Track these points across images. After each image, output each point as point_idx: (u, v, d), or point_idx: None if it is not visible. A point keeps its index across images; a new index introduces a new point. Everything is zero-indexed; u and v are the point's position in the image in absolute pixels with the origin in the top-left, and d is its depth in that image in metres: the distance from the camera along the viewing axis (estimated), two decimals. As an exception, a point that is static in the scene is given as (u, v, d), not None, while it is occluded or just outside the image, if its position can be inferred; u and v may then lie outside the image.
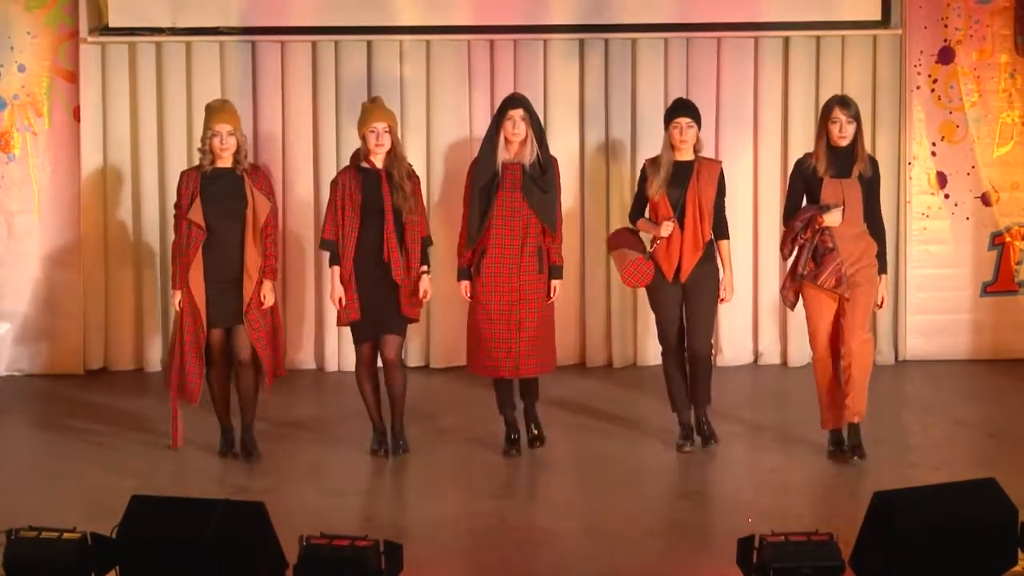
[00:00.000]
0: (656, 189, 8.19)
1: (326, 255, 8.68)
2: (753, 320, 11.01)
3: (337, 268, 8.17)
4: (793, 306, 8.30)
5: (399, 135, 8.36)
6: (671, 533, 7.41)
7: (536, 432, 8.51)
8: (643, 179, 8.34)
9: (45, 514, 7.07)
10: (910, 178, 10.76)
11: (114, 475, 8.24)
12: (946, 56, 10.81)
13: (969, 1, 10.77)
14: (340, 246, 8.15)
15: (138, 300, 10.85)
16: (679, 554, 7.16)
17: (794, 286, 8.19)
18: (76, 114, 10.73)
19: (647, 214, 8.37)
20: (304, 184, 10.88)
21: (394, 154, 8.16)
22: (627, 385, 10.55)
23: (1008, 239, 10.99)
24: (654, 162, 8.32)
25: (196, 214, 8.04)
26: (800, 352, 10.92)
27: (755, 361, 11.04)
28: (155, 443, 8.71)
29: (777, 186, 10.97)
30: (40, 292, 10.80)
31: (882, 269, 8.19)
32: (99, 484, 8.11)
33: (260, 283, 8.11)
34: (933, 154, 10.88)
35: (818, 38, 10.83)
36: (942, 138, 10.87)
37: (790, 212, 8.15)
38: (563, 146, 10.76)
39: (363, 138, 8.18)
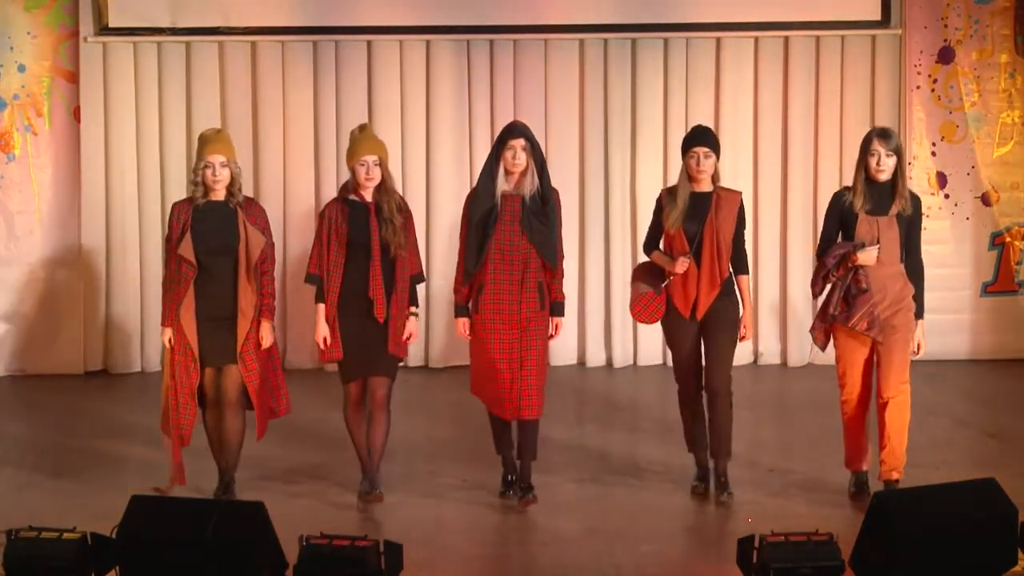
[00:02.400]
0: (672, 222, 7.69)
1: None
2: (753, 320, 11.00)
3: (323, 306, 7.73)
4: (824, 347, 7.83)
5: (389, 164, 7.67)
6: (671, 533, 7.41)
7: (526, 485, 7.79)
8: (659, 210, 7.83)
9: (45, 514, 7.07)
10: (910, 178, 10.74)
11: (114, 475, 8.24)
12: (946, 56, 10.81)
13: (969, 1, 10.77)
14: (325, 281, 7.72)
15: (138, 301, 10.85)
16: (679, 554, 7.16)
17: (824, 327, 7.70)
18: (76, 114, 10.74)
19: (662, 246, 7.89)
20: (305, 184, 10.89)
21: (384, 187, 7.73)
22: (627, 385, 10.55)
23: (1008, 239, 10.99)
24: (671, 192, 7.80)
25: (186, 249, 7.60)
26: (800, 352, 10.94)
27: (755, 361, 11.04)
28: (155, 443, 8.69)
29: (777, 185, 11.00)
30: (40, 292, 10.81)
31: (919, 314, 7.65)
32: (99, 484, 8.10)
33: (256, 322, 7.70)
34: (933, 154, 10.88)
35: (818, 38, 10.85)
36: (942, 138, 10.87)
37: (823, 248, 7.68)
38: (562, 145, 10.80)
39: (352, 171, 7.74)
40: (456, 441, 9.00)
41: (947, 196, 10.91)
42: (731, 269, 7.80)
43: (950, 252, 10.88)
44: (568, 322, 10.59)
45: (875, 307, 7.54)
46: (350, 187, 7.79)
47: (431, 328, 10.87)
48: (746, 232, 7.94)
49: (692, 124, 10.74)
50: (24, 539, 6.15)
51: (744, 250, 7.88)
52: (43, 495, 7.95)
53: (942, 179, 10.90)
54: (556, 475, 8.24)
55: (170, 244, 7.72)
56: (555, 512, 7.65)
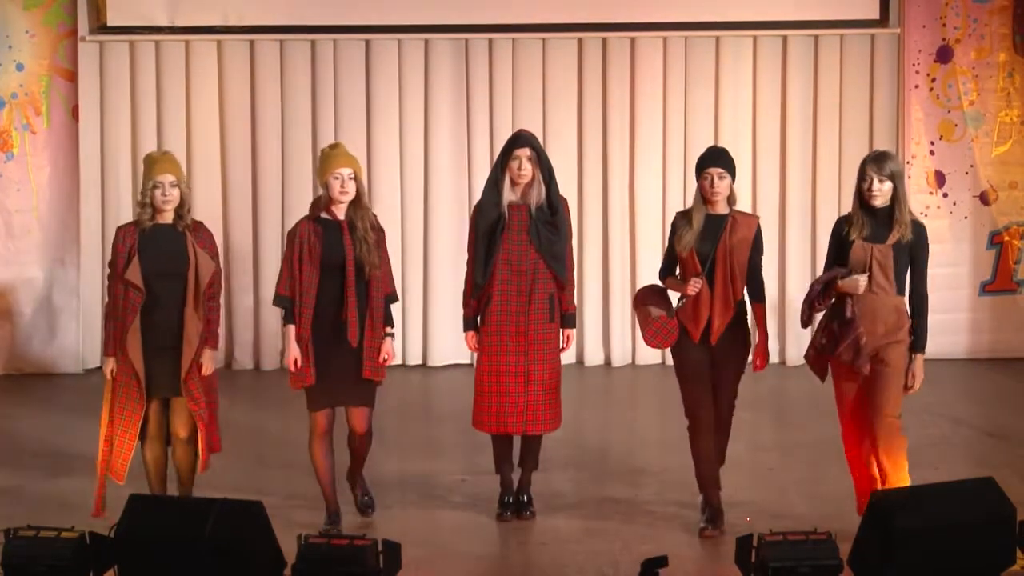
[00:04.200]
0: (685, 244, 7.36)
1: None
2: (752, 319, 11.01)
3: (293, 328, 7.34)
4: (823, 378, 7.38)
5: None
6: (671, 533, 7.41)
7: (526, 500, 7.67)
8: (673, 233, 7.50)
9: (44, 513, 7.07)
10: (909, 177, 10.75)
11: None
12: (944, 55, 10.82)
13: (967, 0, 10.78)
14: (296, 304, 7.34)
15: (136, 299, 10.86)
16: (679, 554, 7.16)
17: (815, 355, 7.32)
18: (75, 113, 10.74)
19: (676, 271, 7.57)
20: (303, 183, 10.89)
21: (359, 203, 7.35)
22: (625, 384, 10.55)
23: (1006, 238, 11.00)
24: (685, 215, 7.49)
25: (134, 274, 7.21)
26: (798, 352, 10.94)
27: (754, 360, 11.04)
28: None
29: (776, 184, 11.01)
30: (39, 292, 10.81)
31: (918, 347, 7.20)
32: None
33: (199, 350, 7.29)
34: (931, 153, 10.89)
35: (816, 37, 10.86)
36: (940, 137, 10.87)
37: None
38: (561, 144, 10.80)
39: (326, 185, 7.32)
40: (455, 441, 8.99)
41: (945, 195, 10.92)
42: (746, 297, 7.49)
43: (948, 251, 10.88)
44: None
45: (861, 337, 7.14)
46: (322, 204, 7.40)
47: (430, 327, 10.87)
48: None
49: (691, 123, 10.89)
50: (22, 538, 6.14)
51: (761, 277, 7.54)
52: (41, 494, 7.95)
53: (940, 178, 10.90)
54: (555, 475, 8.24)
55: (115, 270, 7.33)
56: (555, 512, 7.65)
